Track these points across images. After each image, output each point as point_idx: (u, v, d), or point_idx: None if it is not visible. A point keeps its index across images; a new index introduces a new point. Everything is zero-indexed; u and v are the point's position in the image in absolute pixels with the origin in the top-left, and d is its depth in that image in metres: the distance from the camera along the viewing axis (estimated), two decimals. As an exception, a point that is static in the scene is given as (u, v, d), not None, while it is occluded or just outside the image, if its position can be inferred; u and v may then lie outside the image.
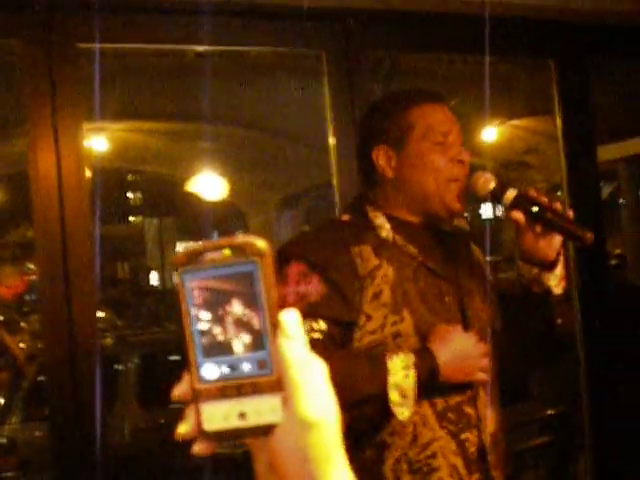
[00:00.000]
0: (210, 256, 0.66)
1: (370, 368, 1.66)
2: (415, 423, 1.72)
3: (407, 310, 1.75)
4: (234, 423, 0.66)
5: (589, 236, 1.73)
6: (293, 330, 0.66)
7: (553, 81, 3.07)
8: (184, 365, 0.68)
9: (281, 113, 8.96)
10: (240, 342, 0.66)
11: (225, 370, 0.67)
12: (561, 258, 1.83)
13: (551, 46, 3.05)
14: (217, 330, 0.66)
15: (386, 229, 1.81)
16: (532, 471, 4.34)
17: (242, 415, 0.66)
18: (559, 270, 1.84)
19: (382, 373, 1.64)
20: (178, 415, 0.70)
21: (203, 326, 0.66)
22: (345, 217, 1.91)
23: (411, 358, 1.66)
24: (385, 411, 1.65)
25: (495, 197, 1.81)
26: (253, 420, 0.66)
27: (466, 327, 1.79)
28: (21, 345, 7.32)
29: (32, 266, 23.31)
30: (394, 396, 1.64)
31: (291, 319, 0.67)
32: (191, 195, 10.50)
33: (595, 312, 3.04)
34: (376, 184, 1.88)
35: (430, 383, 1.67)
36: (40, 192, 2.21)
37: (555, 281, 1.85)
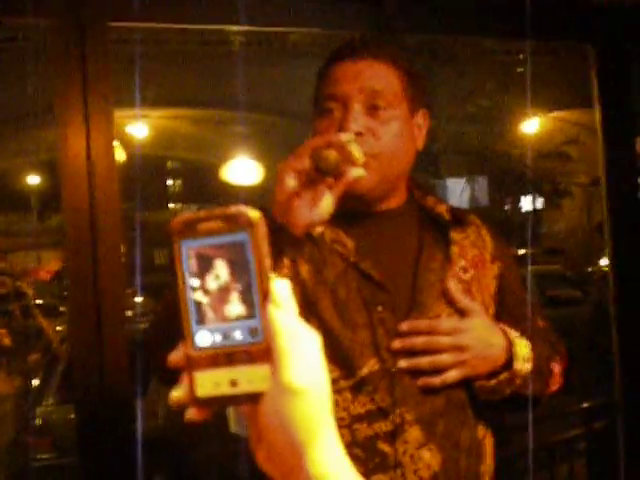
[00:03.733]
0: (205, 225, 0.68)
1: None
2: None
3: (314, 322, 1.44)
4: (226, 390, 0.68)
5: None
6: (283, 299, 0.68)
7: (592, 70, 2.98)
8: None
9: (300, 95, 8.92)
10: (232, 310, 0.68)
11: (218, 338, 0.68)
12: (501, 377, 1.54)
13: (590, 32, 2.97)
14: (210, 298, 0.68)
15: None
16: (566, 464, 4.28)
17: (233, 382, 0.67)
18: (491, 384, 1.54)
19: None
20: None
21: (197, 294, 0.68)
22: None
23: None
24: None
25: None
26: (244, 387, 0.67)
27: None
28: (58, 328, 7.40)
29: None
30: None
31: (281, 288, 0.68)
32: (230, 182, 10.54)
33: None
34: None
35: None
36: (69, 177, 2.20)
37: (483, 392, 1.55)
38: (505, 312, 1.66)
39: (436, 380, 1.48)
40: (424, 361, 1.48)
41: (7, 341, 5.44)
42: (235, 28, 2.97)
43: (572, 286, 11.23)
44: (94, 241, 2.15)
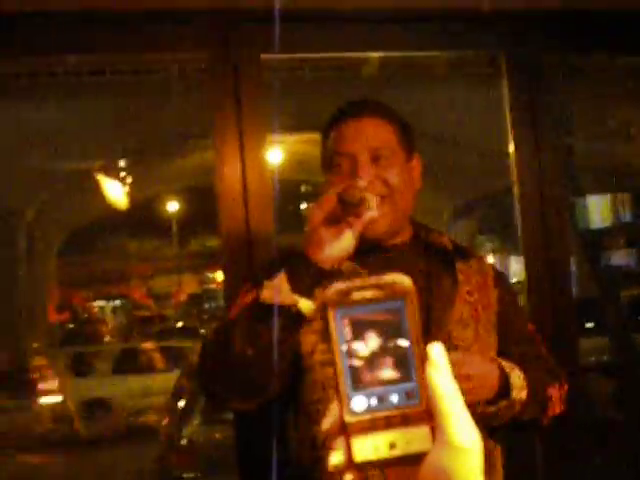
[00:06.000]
0: (359, 294, 0.68)
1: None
2: None
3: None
4: (384, 453, 0.68)
5: None
6: (440, 362, 0.69)
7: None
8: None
9: (454, 121, 8.88)
10: (388, 374, 0.68)
11: (373, 402, 0.68)
12: (501, 405, 1.69)
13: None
14: (366, 363, 0.68)
15: None
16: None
17: (392, 445, 0.68)
18: (491, 410, 1.69)
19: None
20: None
21: (353, 360, 0.68)
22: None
23: None
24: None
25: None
26: (403, 449, 0.68)
27: None
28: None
29: (210, 275, 24.25)
30: (268, 294, 1.55)
31: (438, 351, 0.69)
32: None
33: None
34: None
35: None
36: (227, 203, 2.27)
37: (485, 419, 1.68)
38: (506, 335, 1.85)
39: None
40: None
41: (159, 361, 5.62)
42: (376, 55, 3.02)
43: None
44: (249, 263, 2.21)
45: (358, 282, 0.68)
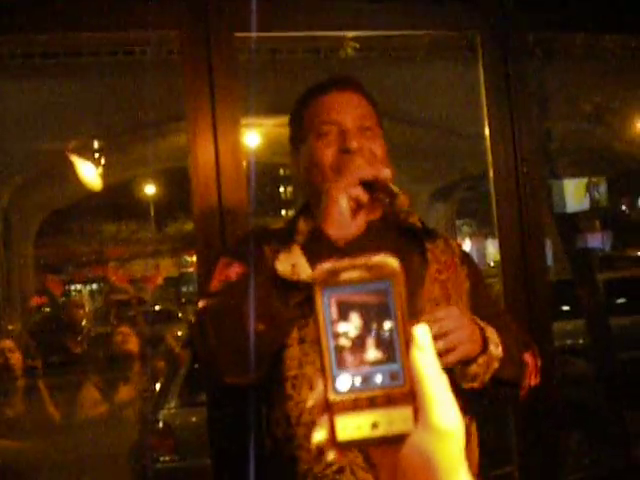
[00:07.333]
0: (347, 274, 0.69)
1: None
2: None
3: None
4: (367, 433, 0.69)
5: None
6: (425, 343, 0.70)
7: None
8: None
9: (430, 103, 8.87)
10: (373, 355, 0.69)
11: (358, 382, 0.69)
12: (480, 361, 1.68)
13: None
14: (351, 343, 0.69)
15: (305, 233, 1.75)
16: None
17: (375, 425, 0.69)
18: (472, 370, 1.69)
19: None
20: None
21: (339, 340, 0.69)
22: (276, 226, 1.91)
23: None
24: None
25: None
26: (385, 430, 0.69)
27: None
28: (178, 333, 7.59)
29: (188, 258, 24.21)
30: (285, 269, 1.56)
31: (423, 333, 0.70)
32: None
33: None
34: (302, 188, 1.86)
35: None
36: (200, 186, 2.25)
37: (465, 379, 1.69)
38: (477, 307, 1.86)
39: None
40: None
41: (133, 344, 5.59)
42: (351, 34, 3.00)
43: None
44: (223, 245, 2.18)
45: (346, 262, 0.70)
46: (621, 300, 8.78)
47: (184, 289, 22.72)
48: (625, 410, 5.65)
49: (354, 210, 1.59)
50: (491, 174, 2.90)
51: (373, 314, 0.69)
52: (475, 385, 1.71)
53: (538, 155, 3.02)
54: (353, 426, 0.69)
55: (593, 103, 10.16)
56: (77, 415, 5.36)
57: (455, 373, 1.68)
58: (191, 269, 23.43)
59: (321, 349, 0.70)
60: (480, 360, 1.69)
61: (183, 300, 20.03)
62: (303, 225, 1.81)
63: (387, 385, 0.69)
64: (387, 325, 0.69)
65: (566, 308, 8.00)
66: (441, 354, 1.59)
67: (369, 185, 1.59)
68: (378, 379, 0.69)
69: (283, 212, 26.31)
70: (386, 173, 1.60)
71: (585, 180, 12.27)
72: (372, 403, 0.69)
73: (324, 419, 0.70)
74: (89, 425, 5.30)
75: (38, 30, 2.58)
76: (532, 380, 1.86)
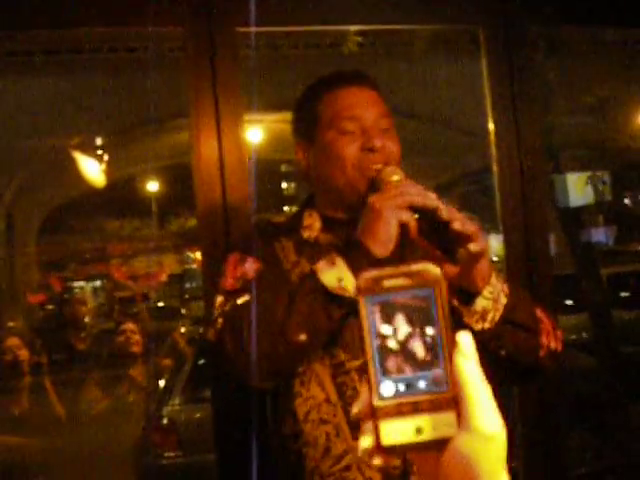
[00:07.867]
0: (390, 282, 0.71)
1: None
2: (328, 433, 1.62)
3: None
4: (411, 438, 0.70)
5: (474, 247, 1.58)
6: (469, 350, 0.71)
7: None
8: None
9: (433, 98, 8.86)
10: (417, 361, 0.71)
11: (402, 388, 0.71)
12: (486, 294, 1.64)
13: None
14: (395, 350, 0.71)
15: (313, 229, 1.77)
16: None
17: (419, 430, 0.70)
18: (479, 306, 1.65)
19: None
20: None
21: (382, 346, 0.71)
22: (279, 219, 1.90)
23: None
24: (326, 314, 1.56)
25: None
26: (429, 434, 0.70)
27: None
28: (182, 330, 7.59)
29: (191, 254, 24.22)
30: (331, 282, 1.54)
31: (466, 339, 0.72)
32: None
33: None
34: (309, 182, 1.83)
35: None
36: (203, 182, 2.24)
37: (474, 317, 1.65)
38: None
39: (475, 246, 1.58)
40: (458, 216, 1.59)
41: (136, 341, 5.58)
42: (353, 28, 3.00)
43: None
44: (227, 242, 2.18)
45: (388, 270, 0.71)
46: (625, 294, 8.78)
47: (187, 285, 22.71)
48: (628, 404, 5.65)
49: (399, 234, 1.57)
50: (495, 168, 2.89)
51: (416, 320, 0.70)
52: (486, 326, 1.66)
53: (541, 149, 3.02)
54: (397, 431, 0.70)
55: (597, 97, 10.13)
56: (81, 412, 5.37)
57: (463, 312, 1.66)
58: (194, 266, 23.43)
59: (365, 355, 0.72)
60: (486, 292, 1.65)
61: (187, 296, 20.02)
62: (309, 219, 1.81)
63: (430, 390, 0.70)
64: (430, 331, 0.70)
65: (570, 302, 7.99)
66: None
67: (415, 209, 1.56)
68: (422, 385, 0.71)
69: (286, 208, 26.32)
70: (436, 203, 1.56)
71: (588, 174, 12.25)
72: (416, 408, 0.70)
73: (369, 425, 0.72)
74: (93, 421, 5.31)
75: (39, 27, 2.57)
76: (551, 341, 1.78)
